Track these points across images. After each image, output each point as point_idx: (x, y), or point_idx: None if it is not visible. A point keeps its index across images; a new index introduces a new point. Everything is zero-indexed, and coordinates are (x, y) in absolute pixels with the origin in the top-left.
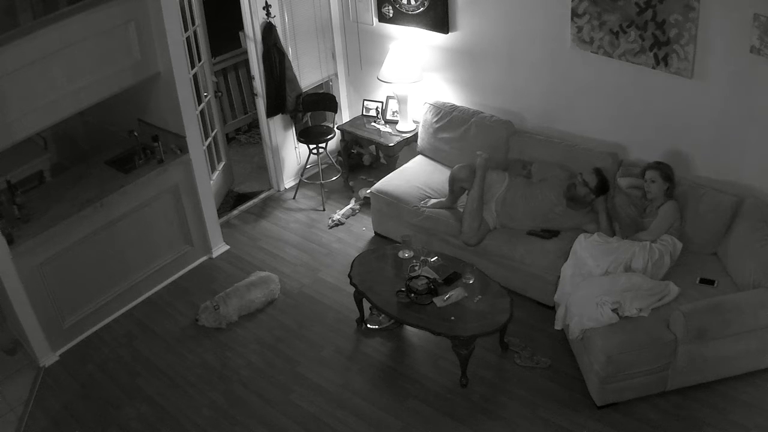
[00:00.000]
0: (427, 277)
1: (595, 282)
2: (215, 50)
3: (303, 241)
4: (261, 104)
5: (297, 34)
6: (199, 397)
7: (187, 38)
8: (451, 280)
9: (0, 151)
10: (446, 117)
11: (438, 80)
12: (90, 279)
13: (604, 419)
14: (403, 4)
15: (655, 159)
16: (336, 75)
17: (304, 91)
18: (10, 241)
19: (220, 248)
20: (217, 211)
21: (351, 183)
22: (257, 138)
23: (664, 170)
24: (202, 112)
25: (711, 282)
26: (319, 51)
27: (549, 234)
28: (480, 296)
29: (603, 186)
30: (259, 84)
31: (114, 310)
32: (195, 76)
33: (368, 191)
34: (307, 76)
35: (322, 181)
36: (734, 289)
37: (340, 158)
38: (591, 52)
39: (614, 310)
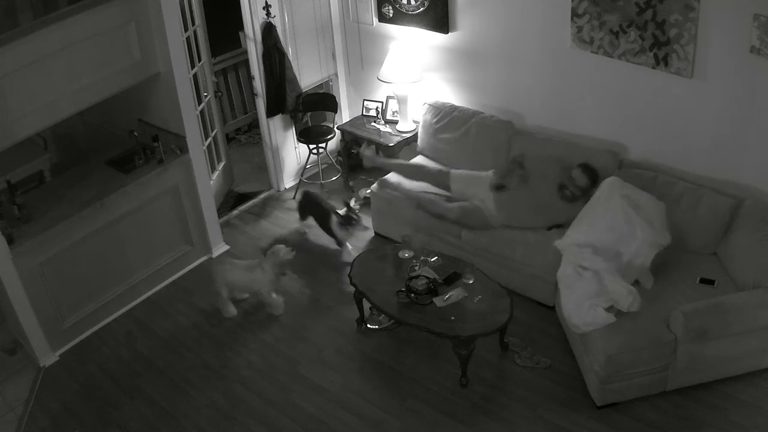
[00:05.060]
0: (427, 277)
1: (582, 287)
2: (215, 50)
3: (303, 241)
4: (261, 104)
5: (297, 34)
6: (199, 397)
7: (187, 38)
8: (451, 280)
9: (0, 151)
10: (446, 117)
11: (438, 80)
12: (90, 279)
13: (604, 419)
14: (403, 4)
15: (654, 158)
16: (336, 75)
17: (304, 91)
18: (10, 241)
19: (220, 248)
20: (217, 211)
21: (351, 183)
22: (257, 138)
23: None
24: (202, 112)
25: (711, 282)
26: (319, 51)
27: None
28: (480, 296)
29: (595, 181)
30: (259, 84)
31: (114, 310)
32: (195, 76)
33: (368, 191)
34: (307, 76)
35: (322, 181)
36: (734, 289)
37: (340, 158)
38: (591, 52)
39: (608, 309)
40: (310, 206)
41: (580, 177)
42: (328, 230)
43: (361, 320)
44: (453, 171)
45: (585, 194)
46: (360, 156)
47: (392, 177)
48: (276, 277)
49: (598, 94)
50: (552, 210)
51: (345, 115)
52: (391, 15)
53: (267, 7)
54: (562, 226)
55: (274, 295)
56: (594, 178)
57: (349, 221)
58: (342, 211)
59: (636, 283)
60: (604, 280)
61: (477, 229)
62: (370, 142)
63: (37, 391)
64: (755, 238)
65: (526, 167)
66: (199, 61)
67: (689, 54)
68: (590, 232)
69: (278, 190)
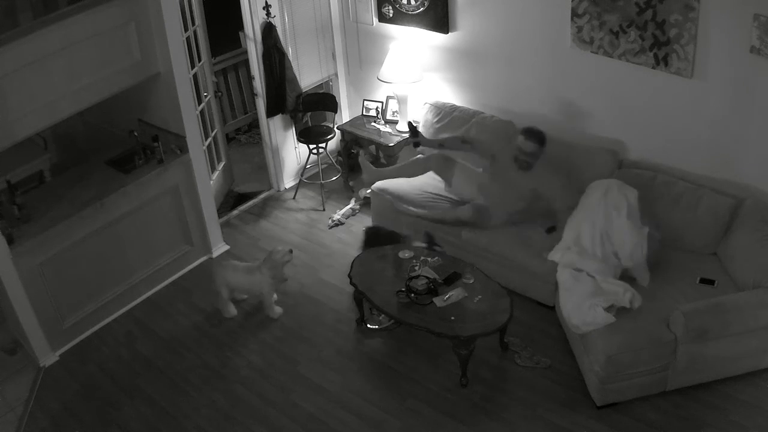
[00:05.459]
0: (427, 277)
1: (581, 288)
2: (215, 50)
3: (303, 241)
4: (261, 104)
5: (297, 34)
6: (199, 397)
7: (187, 38)
8: (451, 280)
9: (0, 151)
10: (447, 117)
11: (438, 80)
12: (90, 279)
13: (604, 419)
14: (403, 4)
15: (654, 158)
16: (336, 75)
17: (304, 91)
18: (10, 241)
19: (220, 248)
20: (217, 211)
21: (351, 183)
22: (257, 138)
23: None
24: (202, 112)
25: (711, 282)
26: (319, 51)
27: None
28: (480, 296)
29: (542, 142)
30: (259, 84)
31: (114, 310)
32: (195, 76)
33: (368, 191)
34: (307, 76)
35: (322, 181)
36: (734, 289)
37: (340, 158)
38: (591, 52)
39: (608, 309)
40: (380, 242)
41: (525, 143)
42: None
43: (361, 320)
44: (459, 161)
45: (536, 158)
46: (361, 164)
47: (402, 203)
48: (275, 281)
49: (598, 94)
50: (518, 183)
51: (345, 115)
52: (391, 15)
53: (267, 7)
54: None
55: (275, 297)
56: (539, 139)
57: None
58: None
59: (632, 281)
60: (599, 282)
61: (485, 227)
62: (363, 146)
63: (37, 391)
64: (755, 238)
65: (469, 141)
66: (199, 61)
67: (689, 54)
68: (581, 234)
69: (278, 190)
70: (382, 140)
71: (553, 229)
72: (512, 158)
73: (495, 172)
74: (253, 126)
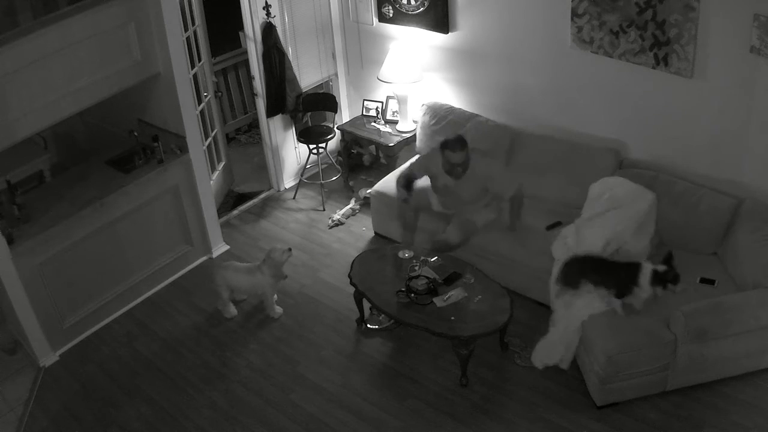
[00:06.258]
0: (427, 277)
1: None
2: (215, 50)
3: (303, 241)
4: (261, 104)
5: (297, 34)
6: (199, 397)
7: (187, 38)
8: (451, 280)
9: (0, 151)
10: (443, 120)
11: (438, 80)
12: (90, 279)
13: (604, 419)
14: (403, 4)
15: (655, 157)
16: (336, 75)
17: (304, 91)
18: (10, 241)
19: (220, 248)
20: (217, 211)
21: (351, 183)
22: (257, 138)
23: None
24: (202, 112)
25: (711, 282)
26: (319, 51)
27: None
28: (480, 296)
29: (464, 147)
30: (259, 84)
31: (114, 310)
32: (195, 76)
33: (368, 191)
34: (307, 76)
35: (322, 181)
36: (734, 289)
37: (340, 158)
38: (591, 52)
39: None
40: (591, 268)
41: (453, 155)
42: (623, 289)
43: (361, 320)
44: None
45: (467, 163)
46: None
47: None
48: (276, 280)
49: (598, 94)
50: (461, 191)
51: (345, 115)
52: (391, 15)
53: (267, 7)
54: (561, 224)
55: (276, 297)
56: (463, 144)
57: (674, 278)
58: (658, 266)
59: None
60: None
61: (477, 232)
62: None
63: (37, 391)
64: (755, 238)
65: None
66: (199, 61)
67: (689, 54)
68: (593, 241)
69: (278, 190)
70: (382, 140)
71: (554, 227)
72: (445, 173)
73: (437, 190)
74: (253, 126)
